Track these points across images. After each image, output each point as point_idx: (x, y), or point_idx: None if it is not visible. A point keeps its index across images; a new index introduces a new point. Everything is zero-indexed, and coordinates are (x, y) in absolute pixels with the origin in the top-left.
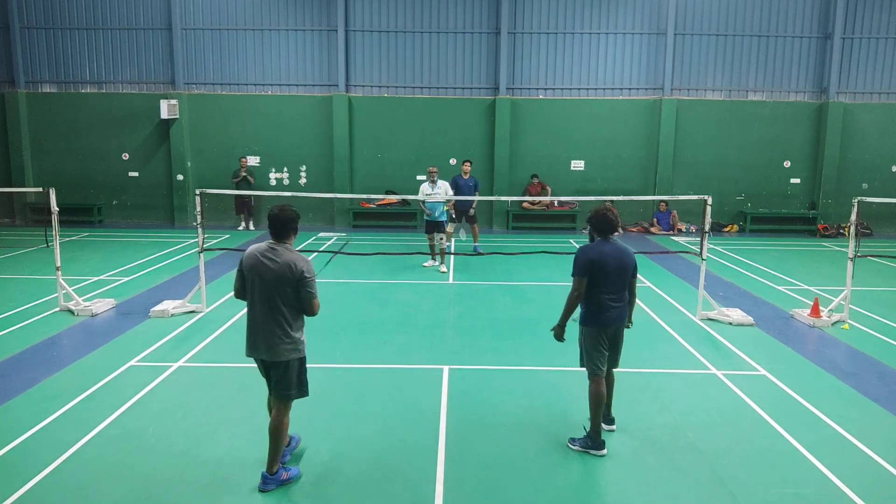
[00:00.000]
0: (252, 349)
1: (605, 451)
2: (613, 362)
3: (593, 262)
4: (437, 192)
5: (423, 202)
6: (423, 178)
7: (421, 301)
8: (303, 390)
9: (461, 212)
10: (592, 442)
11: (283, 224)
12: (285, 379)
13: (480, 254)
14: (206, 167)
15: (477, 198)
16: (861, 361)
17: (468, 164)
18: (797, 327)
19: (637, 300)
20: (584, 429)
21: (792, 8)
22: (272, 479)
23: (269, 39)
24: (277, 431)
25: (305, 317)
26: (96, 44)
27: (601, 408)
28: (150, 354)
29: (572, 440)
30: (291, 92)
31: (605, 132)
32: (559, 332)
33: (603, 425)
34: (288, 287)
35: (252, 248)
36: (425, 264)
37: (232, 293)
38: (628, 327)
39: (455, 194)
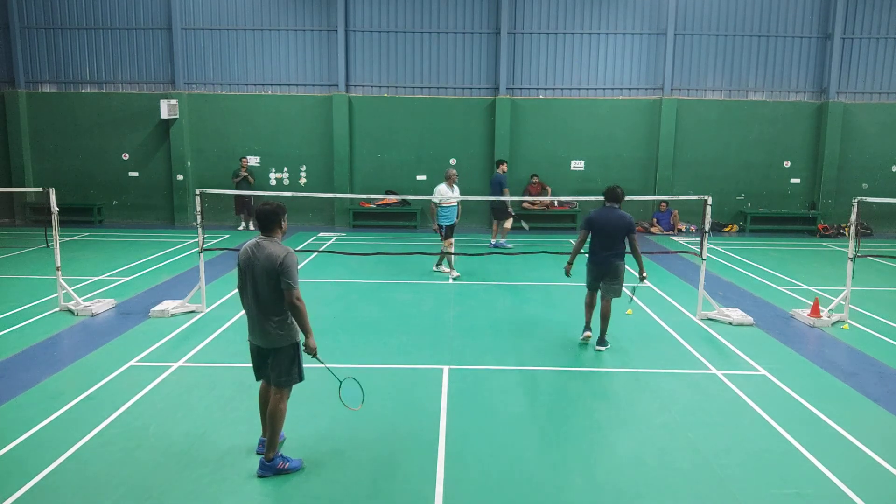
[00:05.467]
0: (251, 335)
1: (588, 333)
2: (607, 292)
3: (590, 220)
4: (455, 195)
5: (437, 206)
6: (423, 177)
7: (421, 301)
8: (298, 376)
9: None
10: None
11: (265, 218)
12: (280, 365)
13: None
14: (206, 167)
15: (480, 198)
16: (861, 361)
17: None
18: (797, 327)
19: (636, 299)
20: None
21: (792, 8)
22: (269, 466)
23: (269, 39)
24: (274, 417)
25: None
26: (96, 44)
27: (591, 309)
28: (150, 354)
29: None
30: (291, 92)
31: (605, 132)
32: (567, 269)
33: (597, 347)
34: (272, 278)
35: (245, 244)
36: (453, 274)
37: (231, 294)
38: (643, 279)
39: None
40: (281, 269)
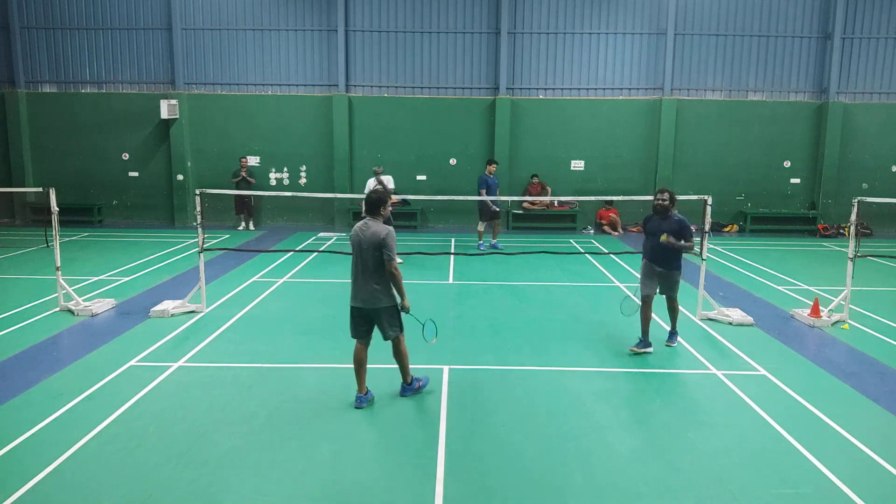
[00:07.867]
0: (353, 299)
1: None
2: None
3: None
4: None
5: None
6: (423, 177)
7: (421, 301)
8: (400, 328)
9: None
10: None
11: (373, 203)
12: (385, 322)
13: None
14: (206, 167)
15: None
16: (861, 361)
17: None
18: (797, 327)
19: (634, 298)
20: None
21: (792, 8)
22: (409, 387)
23: (269, 39)
24: (400, 358)
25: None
26: (96, 44)
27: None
28: (150, 354)
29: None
30: (291, 92)
31: (605, 132)
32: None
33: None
34: (375, 250)
35: (357, 225)
36: None
37: (231, 294)
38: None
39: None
40: (383, 243)
